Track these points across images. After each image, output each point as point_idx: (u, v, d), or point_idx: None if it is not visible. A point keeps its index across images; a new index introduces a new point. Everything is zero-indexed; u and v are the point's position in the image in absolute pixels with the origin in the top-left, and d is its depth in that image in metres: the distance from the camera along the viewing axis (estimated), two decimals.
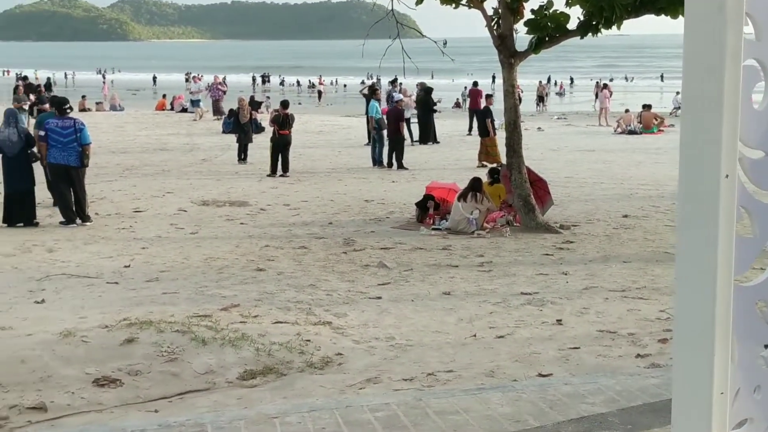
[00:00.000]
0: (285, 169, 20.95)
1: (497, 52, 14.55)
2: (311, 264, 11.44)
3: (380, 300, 9.46)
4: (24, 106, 26.04)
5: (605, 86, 42.49)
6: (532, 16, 14.04)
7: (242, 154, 23.48)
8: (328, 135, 32.68)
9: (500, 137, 19.39)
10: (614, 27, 13.56)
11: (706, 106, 2.24)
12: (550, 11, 14.00)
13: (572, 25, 13.97)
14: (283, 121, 21.01)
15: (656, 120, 34.74)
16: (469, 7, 14.91)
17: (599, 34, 13.75)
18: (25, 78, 41.18)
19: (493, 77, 71.98)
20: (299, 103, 51.75)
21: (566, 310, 9.00)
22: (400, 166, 22.44)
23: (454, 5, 14.86)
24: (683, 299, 2.37)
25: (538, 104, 50.15)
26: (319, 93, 65.20)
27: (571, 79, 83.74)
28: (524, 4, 14.41)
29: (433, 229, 14.26)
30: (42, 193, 14.61)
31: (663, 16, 13.22)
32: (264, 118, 32.18)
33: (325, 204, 16.72)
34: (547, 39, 14.13)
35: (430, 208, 14.92)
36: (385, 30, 14.93)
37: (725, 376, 2.33)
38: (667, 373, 6.43)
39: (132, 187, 18.40)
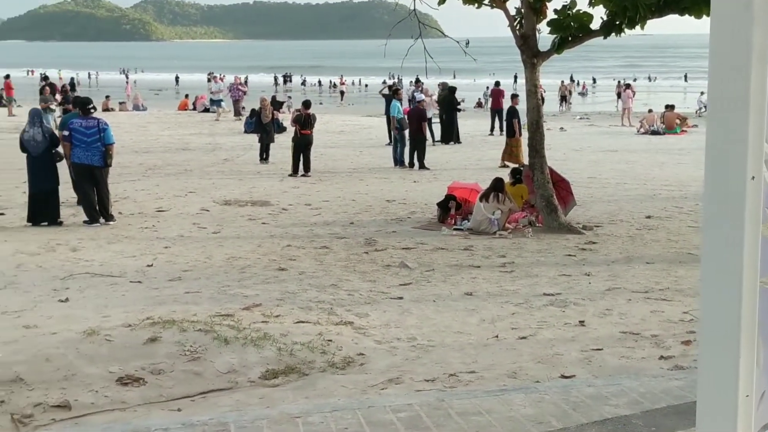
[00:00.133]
0: (306, 168, 20.98)
1: (520, 52, 14.52)
2: (333, 264, 11.45)
3: (402, 300, 9.46)
4: (51, 106, 26.27)
5: (628, 86, 42.34)
6: (555, 16, 14.01)
7: (264, 154, 23.54)
8: (349, 135, 32.70)
9: (525, 138, 19.34)
10: (638, 27, 13.49)
11: (732, 107, 2.23)
12: (573, 11, 13.95)
13: (595, 24, 13.92)
14: (304, 121, 21.05)
15: (679, 120, 34.55)
16: (492, 7, 14.89)
17: (622, 34, 13.69)
18: (46, 78, 41.46)
19: (515, 77, 71.92)
20: (320, 103, 51.85)
21: (589, 311, 8.97)
22: (422, 166, 22.42)
23: (476, 5, 14.85)
24: (708, 301, 2.36)
25: (561, 104, 49.96)
26: (342, 93, 65.40)
27: (594, 79, 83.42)
28: (547, 3, 14.37)
29: (455, 229, 14.24)
30: (66, 192, 14.70)
31: (687, 15, 13.14)
32: (286, 117, 32.28)
33: (346, 204, 16.73)
34: (570, 39, 14.08)
35: (452, 209, 14.90)
36: (407, 30, 14.92)
37: (750, 379, 2.31)
38: (690, 375, 6.39)
39: (155, 187, 18.49)
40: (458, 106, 30.93)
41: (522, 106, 18.02)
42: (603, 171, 22.07)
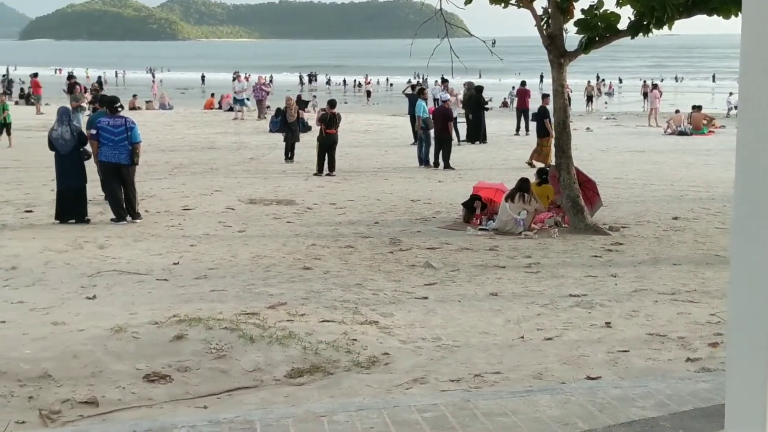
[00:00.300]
0: (331, 168, 21.01)
1: (546, 51, 14.47)
2: (358, 263, 11.46)
3: (427, 300, 9.45)
4: (83, 104, 26.50)
5: (655, 86, 42.09)
6: (582, 16, 13.94)
7: (289, 153, 23.59)
8: (374, 134, 32.72)
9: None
10: (665, 27, 13.41)
11: (764, 107, 2.21)
12: (601, 11, 13.88)
13: (623, 24, 13.84)
14: (330, 120, 21.08)
15: (706, 121, 34.31)
16: (519, 7, 14.84)
17: (650, 35, 13.61)
18: (71, 77, 41.72)
19: (541, 77, 71.62)
20: (345, 102, 51.90)
21: (615, 312, 8.92)
22: (447, 166, 22.39)
23: (503, 5, 14.80)
24: (737, 303, 2.34)
25: (587, 104, 49.74)
26: (368, 92, 65.55)
27: (620, 80, 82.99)
28: (574, 3, 14.31)
29: (480, 229, 14.21)
30: (93, 190, 14.80)
31: (715, 16, 13.05)
32: (311, 117, 32.35)
33: (371, 203, 16.75)
34: (597, 39, 14.02)
35: (477, 209, 14.87)
36: (433, 29, 14.91)
37: None
38: (718, 377, 6.34)
39: (181, 185, 18.59)
40: (486, 106, 30.90)
41: (551, 106, 17.95)
42: (630, 171, 21.95)
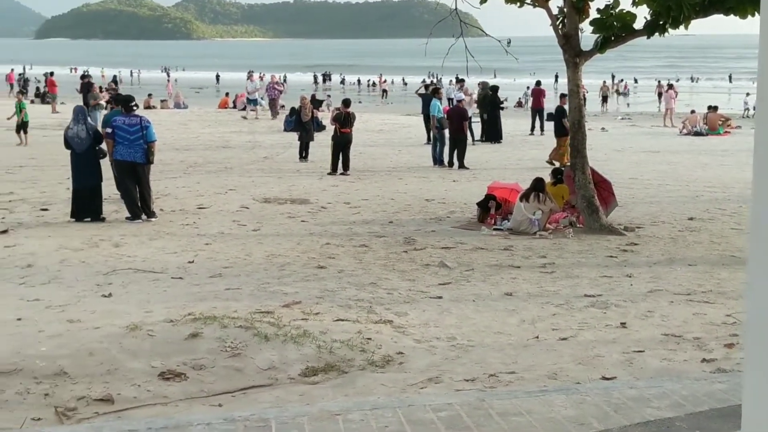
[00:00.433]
0: (346, 167, 21.02)
1: (562, 51, 14.43)
2: (372, 262, 11.47)
3: (441, 300, 9.45)
4: (101, 102, 26.63)
5: (671, 87, 41.95)
6: (598, 16, 13.89)
7: (303, 152, 23.61)
8: (388, 134, 32.72)
9: None
10: (681, 27, 13.35)
11: None
12: (617, 10, 13.83)
13: (639, 24, 13.79)
14: (344, 120, 21.09)
15: (722, 121, 34.17)
16: (534, 6, 14.81)
17: (666, 34, 13.55)
18: (84, 76, 41.95)
19: (556, 76, 71.51)
20: (360, 102, 51.92)
21: (630, 313, 8.90)
22: (461, 166, 22.36)
23: (518, 4, 14.78)
24: (755, 304, 2.33)
25: (602, 104, 49.61)
26: (384, 91, 65.72)
27: (635, 80, 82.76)
28: (590, 3, 14.26)
29: (495, 229, 14.19)
30: (109, 188, 14.85)
31: (731, 15, 12.99)
32: (325, 116, 32.36)
33: (385, 203, 16.75)
34: (612, 38, 13.97)
35: (492, 208, 14.85)
36: (447, 29, 14.89)
37: None
38: (733, 378, 6.32)
39: (195, 184, 18.64)
40: (501, 105, 30.91)
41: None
42: (645, 172, 21.88)
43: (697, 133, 32.94)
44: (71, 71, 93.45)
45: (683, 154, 26.41)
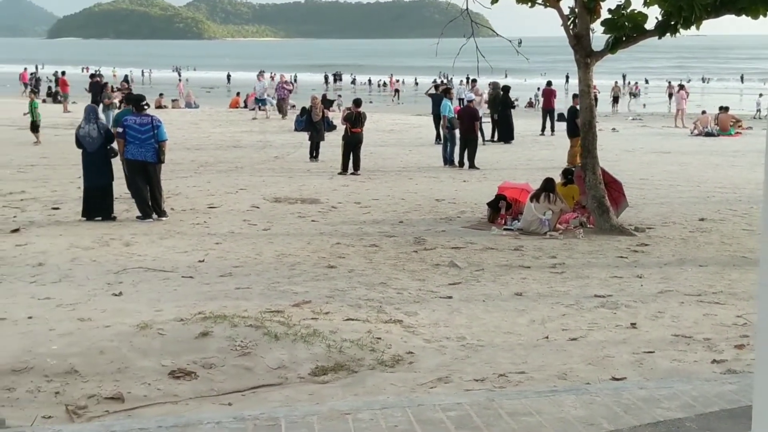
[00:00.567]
0: (356, 167, 21.03)
1: (573, 51, 14.41)
2: (382, 262, 11.47)
3: (451, 299, 9.44)
4: (115, 101, 26.75)
5: (681, 87, 41.83)
6: (609, 16, 13.86)
7: (314, 152, 23.63)
8: (399, 134, 32.72)
9: None
10: (693, 27, 13.31)
11: None
12: (628, 11, 13.79)
13: (650, 24, 13.76)
14: (355, 119, 21.10)
15: (733, 122, 34.06)
16: (545, 6, 14.79)
17: (677, 35, 13.51)
18: (93, 75, 42.09)
19: (567, 77, 71.43)
20: (370, 102, 51.94)
21: (640, 313, 8.88)
22: (472, 166, 22.35)
23: (529, 4, 14.75)
24: (766, 305, 2.32)
25: (613, 105, 49.51)
26: (396, 91, 65.86)
27: (646, 80, 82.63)
28: (601, 3, 14.23)
29: (505, 229, 14.18)
30: (120, 188, 14.89)
31: (743, 16, 12.94)
32: (336, 116, 32.38)
33: (395, 202, 16.75)
34: (624, 39, 13.93)
35: (502, 208, 14.84)
36: (458, 29, 14.88)
37: None
38: (744, 379, 6.30)
39: (206, 183, 18.67)
40: (513, 104, 30.94)
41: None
42: (655, 172, 21.83)
43: (708, 134, 32.85)
44: (83, 71, 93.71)
45: (694, 155, 26.34)
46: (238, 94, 49.47)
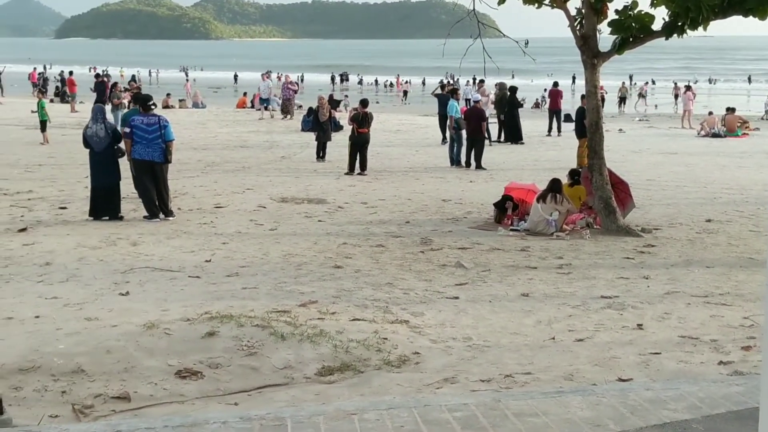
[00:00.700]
0: (363, 167, 21.04)
1: (580, 52, 14.40)
2: (388, 262, 11.47)
3: (457, 300, 9.44)
4: (124, 100, 26.81)
5: (688, 88, 41.76)
6: (616, 17, 13.85)
7: (321, 152, 23.64)
8: (405, 134, 32.73)
9: None
10: (700, 28, 13.29)
11: None
12: (635, 11, 13.78)
13: (657, 25, 13.73)
14: (362, 120, 21.10)
15: (740, 123, 33.99)
16: (552, 7, 14.78)
17: (684, 36, 13.49)
18: (98, 75, 42.19)
19: (573, 78, 71.34)
20: (377, 102, 51.93)
21: (647, 314, 8.87)
22: (479, 166, 22.34)
23: (536, 5, 14.77)
24: None
25: (619, 106, 49.41)
26: (405, 92, 65.97)
27: (653, 81, 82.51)
28: (608, 4, 14.22)
29: (512, 229, 14.17)
30: (127, 187, 14.91)
31: (750, 17, 12.92)
32: (342, 116, 32.38)
33: (402, 203, 16.75)
34: (631, 40, 13.92)
35: (509, 209, 14.83)
36: (465, 29, 14.87)
37: None
38: (751, 381, 6.30)
39: (213, 183, 18.69)
40: (521, 103, 30.95)
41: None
42: (662, 173, 21.80)
43: (715, 135, 32.78)
44: (90, 71, 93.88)
45: (701, 156, 26.29)
46: (245, 94, 49.48)
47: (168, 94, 46.03)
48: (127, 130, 14.38)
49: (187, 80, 65.79)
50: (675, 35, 13.49)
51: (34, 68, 68.82)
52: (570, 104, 38.52)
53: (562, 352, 7.51)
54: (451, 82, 52.05)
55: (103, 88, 35.83)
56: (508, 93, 30.16)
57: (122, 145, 14.43)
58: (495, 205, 15.11)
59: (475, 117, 22.70)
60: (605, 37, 14.56)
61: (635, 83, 74.95)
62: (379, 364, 7.11)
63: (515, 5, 14.77)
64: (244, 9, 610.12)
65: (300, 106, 39.47)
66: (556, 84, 34.78)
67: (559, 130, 32.20)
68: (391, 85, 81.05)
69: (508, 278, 10.61)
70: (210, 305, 8.75)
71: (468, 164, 22.60)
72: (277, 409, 5.71)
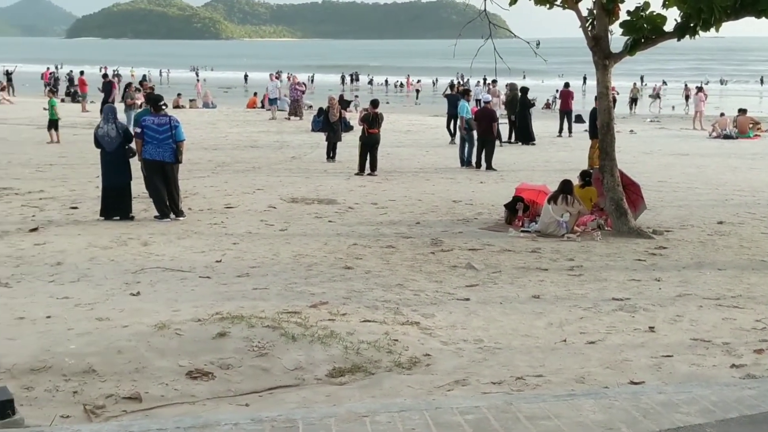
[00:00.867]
0: (373, 167, 21.03)
1: (591, 53, 14.36)
2: (399, 263, 11.46)
3: (468, 301, 9.42)
4: (137, 101, 26.87)
5: (700, 89, 41.64)
6: (628, 18, 13.80)
7: (331, 153, 23.65)
8: (416, 134, 32.71)
9: None
10: (712, 29, 13.23)
11: None
12: (647, 12, 13.73)
13: (669, 26, 13.69)
14: (372, 120, 21.09)
15: (752, 124, 33.87)
16: (564, 8, 14.75)
17: (696, 37, 13.43)
18: (105, 75, 42.27)
19: (584, 78, 71.20)
20: (387, 103, 51.91)
21: (659, 317, 8.84)
22: (489, 167, 22.32)
23: (548, 6, 14.73)
24: None
25: (631, 107, 49.28)
26: (417, 91, 66.11)
27: (664, 82, 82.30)
28: (620, 5, 14.18)
29: (522, 231, 14.14)
30: (138, 187, 14.93)
31: (763, 18, 12.87)
32: (353, 116, 32.39)
33: (412, 203, 16.73)
34: (642, 41, 13.87)
35: (519, 210, 14.80)
36: (476, 30, 14.85)
37: None
38: (764, 384, 6.27)
39: (223, 183, 18.71)
40: (532, 103, 30.93)
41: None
42: (674, 175, 21.73)
43: (727, 136, 32.67)
44: (100, 70, 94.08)
45: (712, 158, 26.21)
46: (255, 94, 49.54)
47: (179, 94, 46.11)
48: (138, 130, 14.40)
49: (198, 80, 65.95)
50: (687, 36, 13.43)
51: (47, 68, 69.03)
52: (581, 105, 38.45)
53: (573, 355, 7.49)
54: (461, 82, 52.05)
55: (110, 88, 35.90)
56: (520, 93, 30.13)
57: (133, 145, 14.45)
58: (506, 206, 15.08)
59: (486, 118, 22.68)
60: (617, 38, 14.52)
61: (646, 84, 74.74)
62: (389, 366, 7.10)
63: (526, 6, 14.75)
64: (255, 9, 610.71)
65: (310, 106, 39.48)
66: (567, 85, 34.72)
67: (570, 131, 32.17)
68: (402, 85, 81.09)
69: (519, 280, 10.58)
70: (221, 306, 8.75)
71: (478, 165, 22.58)
72: (288, 410, 5.70)
